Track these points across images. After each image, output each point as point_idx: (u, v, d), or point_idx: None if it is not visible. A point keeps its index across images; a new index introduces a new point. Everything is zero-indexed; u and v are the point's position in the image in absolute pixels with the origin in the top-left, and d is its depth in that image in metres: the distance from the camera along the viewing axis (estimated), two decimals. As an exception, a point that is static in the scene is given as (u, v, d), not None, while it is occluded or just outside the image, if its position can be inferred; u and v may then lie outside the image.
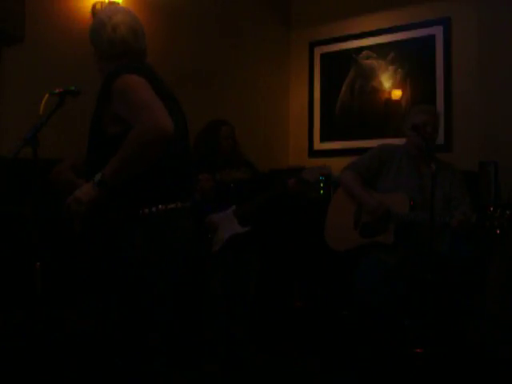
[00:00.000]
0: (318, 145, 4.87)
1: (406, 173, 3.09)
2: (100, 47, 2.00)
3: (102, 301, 1.97)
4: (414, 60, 4.35)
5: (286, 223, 4.01)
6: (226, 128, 3.33)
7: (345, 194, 3.19)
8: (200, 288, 2.10)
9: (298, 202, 3.73)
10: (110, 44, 1.97)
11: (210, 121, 3.37)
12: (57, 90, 1.99)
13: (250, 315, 3.33)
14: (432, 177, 2.59)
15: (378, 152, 3.21)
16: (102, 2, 3.42)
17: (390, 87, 4.46)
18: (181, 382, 2.00)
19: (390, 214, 2.96)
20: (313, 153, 4.89)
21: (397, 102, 4.40)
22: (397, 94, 4.42)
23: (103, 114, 1.85)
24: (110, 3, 2.07)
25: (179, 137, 1.91)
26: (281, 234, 3.98)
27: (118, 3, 3.42)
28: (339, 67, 4.75)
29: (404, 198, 2.96)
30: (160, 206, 1.83)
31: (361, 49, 4.63)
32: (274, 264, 3.85)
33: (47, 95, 1.98)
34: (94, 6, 3.42)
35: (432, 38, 4.24)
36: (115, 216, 1.84)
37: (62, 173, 2.45)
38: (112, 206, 1.83)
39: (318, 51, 4.89)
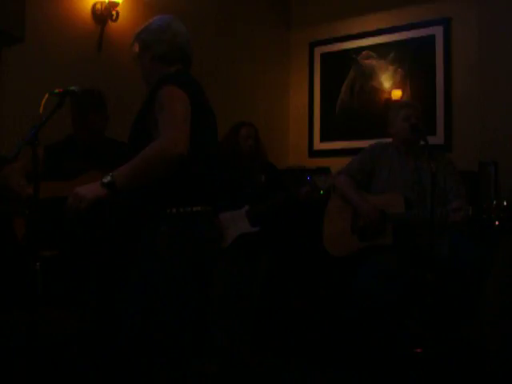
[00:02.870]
0: (318, 145, 4.87)
1: (399, 170, 3.09)
2: (158, 48, 2.08)
3: (121, 291, 2.03)
4: (414, 60, 4.35)
5: (288, 224, 4.02)
6: (246, 129, 3.40)
7: (340, 200, 3.19)
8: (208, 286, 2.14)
9: (303, 204, 3.74)
10: (170, 47, 2.08)
11: (234, 123, 3.45)
12: (57, 90, 1.99)
13: (254, 315, 3.35)
14: (432, 177, 2.58)
15: (368, 153, 3.21)
16: (101, 2, 3.43)
17: (390, 87, 4.46)
18: (180, 381, 2.00)
19: (386, 215, 2.96)
20: (313, 153, 4.90)
21: (397, 102, 4.39)
22: (397, 93, 4.42)
23: (149, 116, 1.93)
24: (162, 17, 2.14)
25: (211, 145, 2.05)
26: (284, 235, 3.98)
27: (119, 3, 3.43)
28: (339, 67, 4.75)
29: (399, 198, 2.97)
30: (187, 208, 1.94)
31: (361, 49, 4.63)
32: (277, 264, 3.85)
33: (47, 95, 1.98)
34: (93, 6, 3.44)
35: (432, 38, 4.25)
36: (143, 213, 1.96)
37: (11, 175, 2.40)
38: (141, 203, 1.96)
39: (318, 51, 4.90)
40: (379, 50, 4.53)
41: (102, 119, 2.73)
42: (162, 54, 2.08)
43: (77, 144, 2.72)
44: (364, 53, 4.61)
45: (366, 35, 4.59)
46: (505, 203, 2.59)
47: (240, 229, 3.27)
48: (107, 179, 1.78)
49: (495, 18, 3.91)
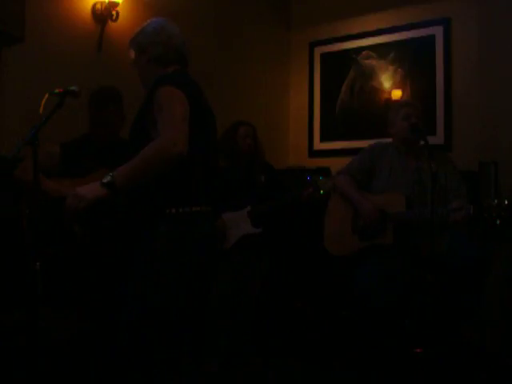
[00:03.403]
0: (318, 145, 4.87)
1: (399, 169, 3.09)
2: (153, 51, 2.10)
3: (120, 291, 2.03)
4: (414, 60, 4.35)
5: (289, 224, 4.02)
6: (244, 128, 3.40)
7: (340, 200, 3.19)
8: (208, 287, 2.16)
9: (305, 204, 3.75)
10: (166, 49, 2.09)
11: (232, 122, 3.45)
12: (57, 90, 1.99)
13: (254, 315, 3.35)
14: (432, 177, 2.57)
15: (368, 153, 3.21)
16: (101, 2, 3.43)
17: (390, 87, 4.46)
18: (180, 381, 2.00)
19: (387, 215, 2.96)
20: (313, 153, 4.89)
21: (397, 102, 4.39)
22: (397, 93, 4.42)
23: (148, 117, 1.94)
24: (157, 21, 2.16)
25: (210, 145, 2.06)
26: (286, 236, 3.98)
27: (119, 3, 3.43)
28: (339, 67, 4.75)
29: (400, 197, 2.97)
30: (186, 208, 1.94)
31: (361, 49, 4.63)
32: (277, 265, 3.85)
33: (47, 95, 1.98)
34: (93, 6, 3.44)
35: (432, 38, 4.24)
36: (143, 213, 1.98)
37: (29, 169, 2.42)
38: (141, 204, 1.97)
39: (318, 51, 4.89)
40: (379, 50, 4.53)
41: (119, 117, 2.73)
42: (157, 56, 2.09)
43: (93, 142, 2.73)
44: (364, 53, 4.61)
45: (366, 35, 4.58)
46: (506, 202, 2.59)
47: (242, 230, 3.27)
48: (107, 179, 1.79)
49: (495, 17, 3.91)
